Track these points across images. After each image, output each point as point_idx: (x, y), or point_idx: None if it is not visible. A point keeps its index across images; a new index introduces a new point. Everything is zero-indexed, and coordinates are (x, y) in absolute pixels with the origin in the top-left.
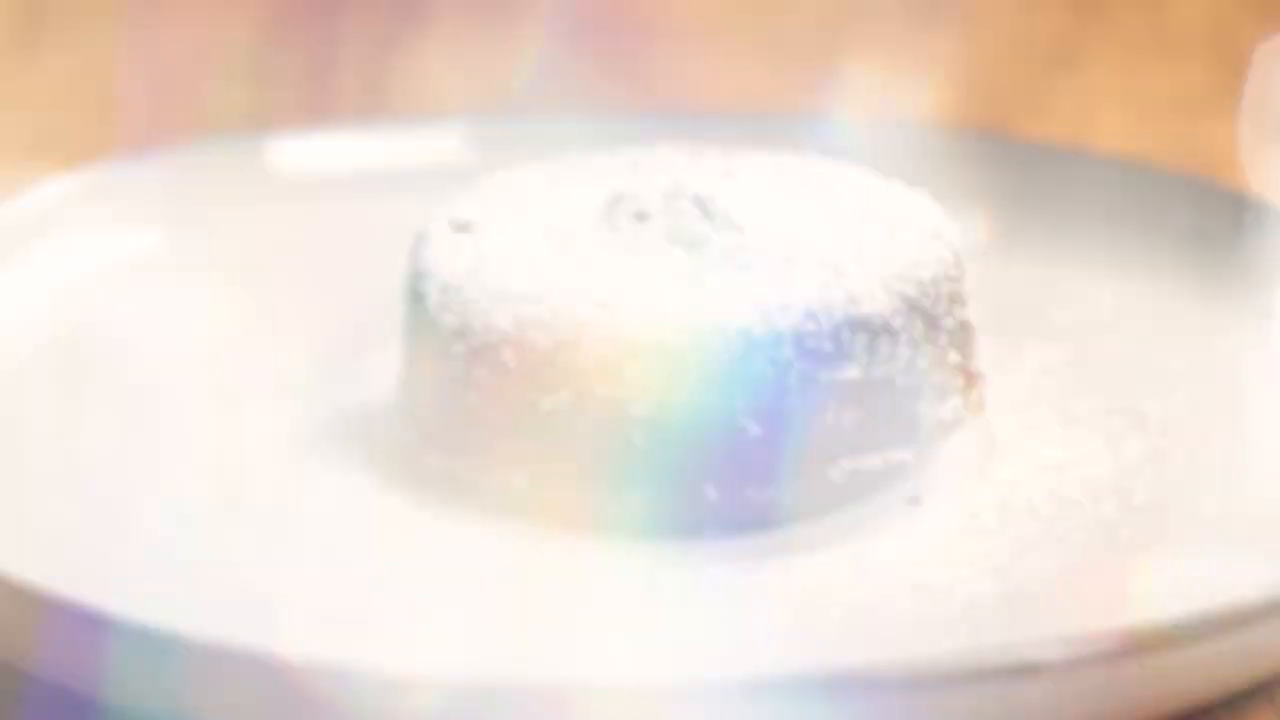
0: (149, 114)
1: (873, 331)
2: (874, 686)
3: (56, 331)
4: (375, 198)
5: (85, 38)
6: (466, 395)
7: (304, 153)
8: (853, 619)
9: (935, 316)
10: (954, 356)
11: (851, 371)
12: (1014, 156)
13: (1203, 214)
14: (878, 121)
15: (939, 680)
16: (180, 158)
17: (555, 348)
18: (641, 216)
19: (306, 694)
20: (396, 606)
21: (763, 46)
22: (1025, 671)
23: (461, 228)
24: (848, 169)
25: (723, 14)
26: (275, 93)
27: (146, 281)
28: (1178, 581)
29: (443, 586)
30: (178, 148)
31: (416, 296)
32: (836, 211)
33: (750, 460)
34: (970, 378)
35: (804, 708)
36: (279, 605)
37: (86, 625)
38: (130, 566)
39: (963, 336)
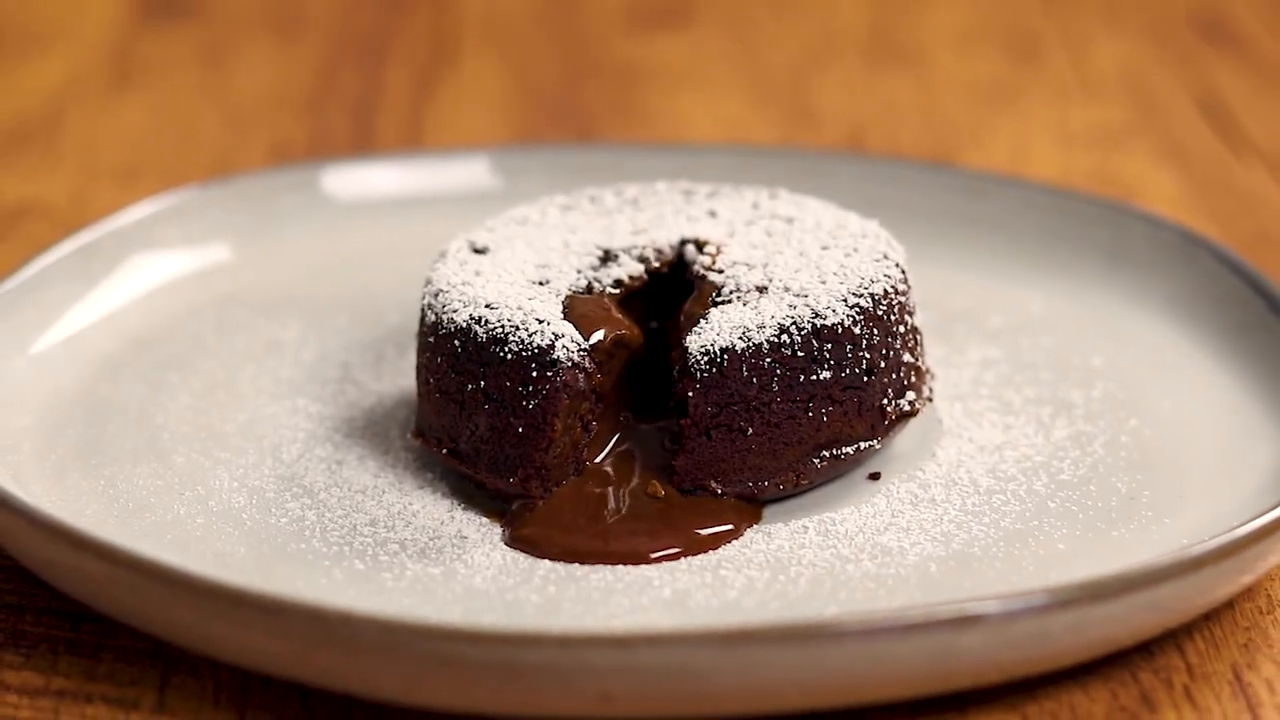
0: (219, 147)
1: (837, 339)
2: (838, 635)
3: (143, 330)
4: (414, 219)
5: (165, 83)
6: (431, 376)
7: (352, 180)
8: (821, 577)
9: (889, 324)
10: (907, 357)
11: (823, 374)
12: (958, 183)
13: (1119, 233)
14: (842, 154)
15: (894, 629)
16: (246, 184)
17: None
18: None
19: (355, 645)
20: (433, 567)
21: (743, 87)
22: (967, 622)
23: (479, 250)
24: (810, 201)
25: (708, 59)
26: (328, 127)
27: (217, 289)
28: (1098, 546)
29: (470, 552)
30: (244, 176)
31: (423, 299)
32: (800, 244)
33: (746, 457)
34: (921, 374)
35: (779, 654)
36: (330, 566)
37: (162, 581)
38: (202, 530)
39: (914, 339)
